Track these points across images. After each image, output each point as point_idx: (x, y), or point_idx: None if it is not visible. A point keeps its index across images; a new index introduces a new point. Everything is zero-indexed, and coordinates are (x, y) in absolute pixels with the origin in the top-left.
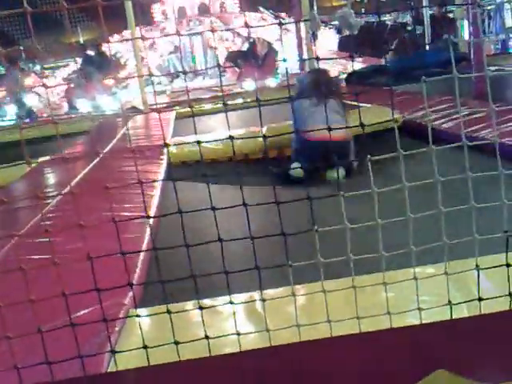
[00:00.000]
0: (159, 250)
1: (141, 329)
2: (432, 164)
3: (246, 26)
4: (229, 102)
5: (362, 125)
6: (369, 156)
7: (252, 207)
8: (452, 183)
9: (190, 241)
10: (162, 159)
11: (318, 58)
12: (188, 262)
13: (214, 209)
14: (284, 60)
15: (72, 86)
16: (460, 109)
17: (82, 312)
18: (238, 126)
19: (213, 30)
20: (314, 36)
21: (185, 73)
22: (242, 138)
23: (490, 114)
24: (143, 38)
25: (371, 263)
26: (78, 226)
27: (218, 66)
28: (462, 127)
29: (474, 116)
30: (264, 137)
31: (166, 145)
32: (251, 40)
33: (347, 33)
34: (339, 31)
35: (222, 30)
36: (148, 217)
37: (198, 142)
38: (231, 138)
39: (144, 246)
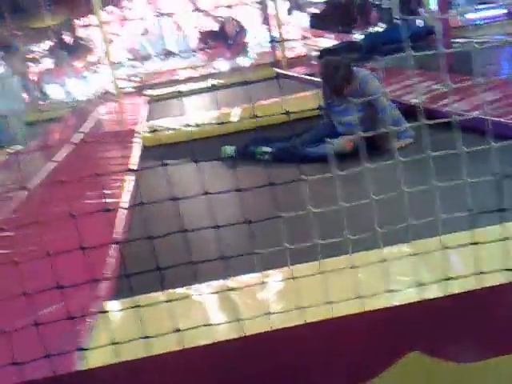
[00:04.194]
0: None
1: (108, 324)
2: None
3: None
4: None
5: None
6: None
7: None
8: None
9: (166, 226)
10: (135, 143)
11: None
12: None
13: (175, 199)
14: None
15: (41, 71)
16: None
17: (52, 308)
18: (212, 107)
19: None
20: (266, 20)
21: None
22: (198, 126)
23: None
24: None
25: (338, 247)
26: (38, 222)
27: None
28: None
29: (445, 90)
30: (221, 123)
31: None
32: (222, 20)
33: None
34: (289, 12)
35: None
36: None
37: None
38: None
39: (117, 235)
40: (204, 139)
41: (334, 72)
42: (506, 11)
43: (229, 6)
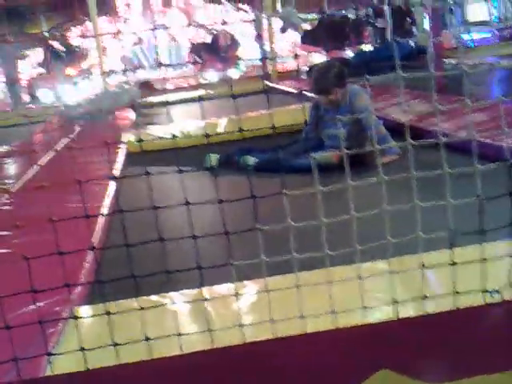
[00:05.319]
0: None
1: (79, 330)
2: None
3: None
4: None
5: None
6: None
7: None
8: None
9: (146, 233)
10: (121, 149)
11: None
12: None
13: (154, 207)
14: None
15: (34, 76)
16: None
17: (24, 311)
18: (201, 117)
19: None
20: (260, 37)
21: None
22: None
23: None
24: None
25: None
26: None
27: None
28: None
29: (431, 110)
30: (207, 136)
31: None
32: (214, 32)
33: (293, 31)
34: (283, 30)
35: (189, 25)
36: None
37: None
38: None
39: (96, 241)
40: (190, 147)
41: (326, 71)
42: (497, 34)
43: (224, 23)
